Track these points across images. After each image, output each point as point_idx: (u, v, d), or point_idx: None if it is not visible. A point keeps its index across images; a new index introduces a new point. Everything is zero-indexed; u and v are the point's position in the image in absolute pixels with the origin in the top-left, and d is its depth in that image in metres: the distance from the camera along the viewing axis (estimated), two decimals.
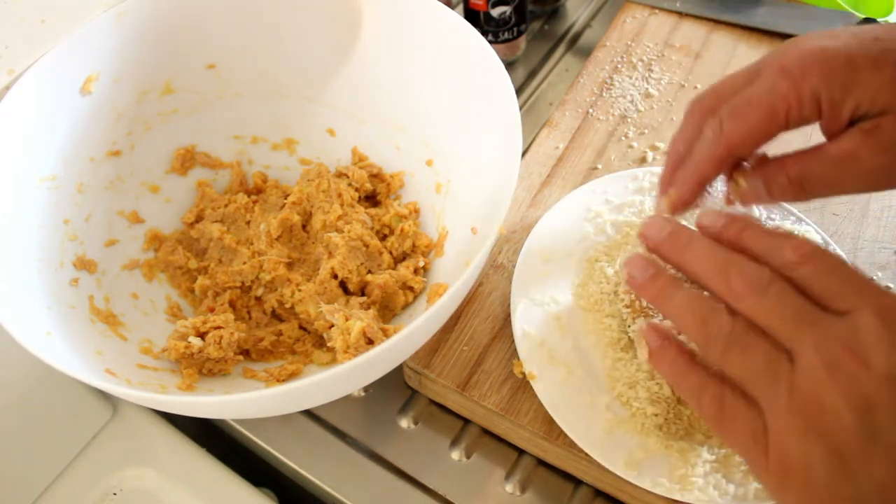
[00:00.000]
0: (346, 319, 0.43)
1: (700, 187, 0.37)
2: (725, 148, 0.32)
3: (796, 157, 0.33)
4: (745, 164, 0.35)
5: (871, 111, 0.30)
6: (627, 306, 0.43)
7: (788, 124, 0.32)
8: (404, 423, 0.48)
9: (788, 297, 0.26)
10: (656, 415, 0.41)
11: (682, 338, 0.32)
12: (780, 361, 0.26)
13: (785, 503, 0.26)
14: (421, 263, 0.49)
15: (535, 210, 0.53)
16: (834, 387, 0.24)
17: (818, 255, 0.27)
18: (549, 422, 0.42)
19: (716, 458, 0.40)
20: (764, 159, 0.34)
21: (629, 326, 0.43)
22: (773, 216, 0.49)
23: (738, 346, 0.27)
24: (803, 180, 0.32)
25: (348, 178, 0.53)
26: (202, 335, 0.44)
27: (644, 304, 0.42)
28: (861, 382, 0.24)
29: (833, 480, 0.24)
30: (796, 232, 0.47)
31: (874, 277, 0.48)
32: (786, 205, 0.49)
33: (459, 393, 0.45)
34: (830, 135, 0.32)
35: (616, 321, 0.45)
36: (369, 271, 0.49)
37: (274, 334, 0.48)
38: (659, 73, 0.63)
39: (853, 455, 0.24)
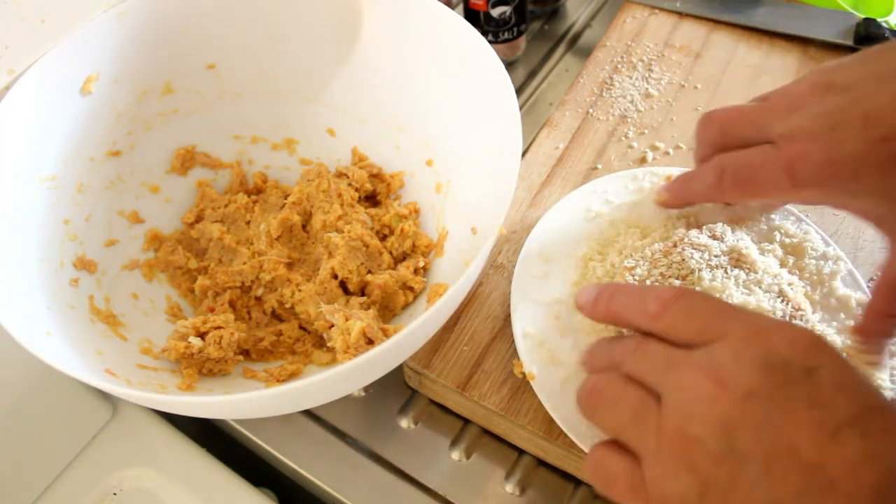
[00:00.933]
0: (346, 319, 0.43)
1: (687, 204, 0.44)
2: (720, 199, 0.37)
3: (877, 292, 0.35)
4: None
5: (878, 210, 0.32)
6: None
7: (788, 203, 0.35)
8: (404, 423, 0.48)
9: (654, 350, 0.28)
10: None
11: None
12: (647, 407, 0.27)
13: None
14: (421, 263, 0.49)
15: (535, 210, 0.53)
16: (696, 417, 0.24)
17: (680, 298, 0.28)
18: (549, 422, 0.42)
19: None
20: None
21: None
22: (773, 216, 0.49)
23: (604, 403, 0.29)
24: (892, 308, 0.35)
25: (348, 178, 0.53)
26: (202, 335, 0.44)
27: None
28: (720, 406, 0.24)
29: None
30: (794, 232, 0.47)
31: (874, 277, 0.48)
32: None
33: (459, 393, 0.45)
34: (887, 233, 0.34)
35: None
36: (369, 271, 0.49)
37: (274, 334, 0.48)
38: (659, 73, 0.63)
39: (725, 482, 0.24)
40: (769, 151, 0.33)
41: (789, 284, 0.41)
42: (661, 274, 0.42)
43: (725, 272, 0.41)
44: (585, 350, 0.34)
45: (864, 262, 0.49)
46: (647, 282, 0.42)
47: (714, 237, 0.43)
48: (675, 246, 0.43)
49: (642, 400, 0.27)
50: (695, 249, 0.42)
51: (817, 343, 0.25)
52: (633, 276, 0.43)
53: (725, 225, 0.45)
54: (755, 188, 0.34)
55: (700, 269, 0.41)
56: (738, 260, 0.42)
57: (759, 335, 0.25)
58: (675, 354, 0.27)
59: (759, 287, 0.40)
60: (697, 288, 0.41)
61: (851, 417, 0.22)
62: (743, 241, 0.43)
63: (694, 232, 0.44)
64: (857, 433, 0.22)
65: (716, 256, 0.42)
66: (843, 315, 0.44)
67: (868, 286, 0.46)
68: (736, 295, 0.40)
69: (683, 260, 0.42)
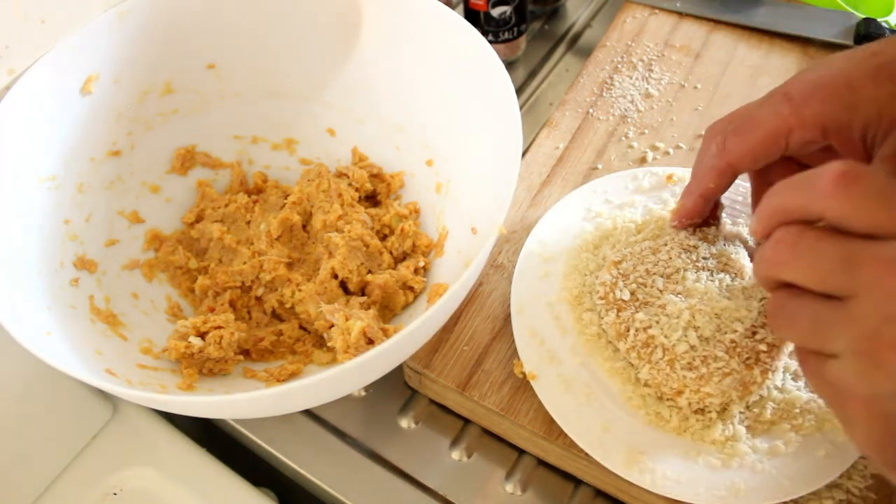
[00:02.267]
0: (346, 319, 0.43)
1: (703, 200, 0.40)
2: (726, 162, 0.34)
3: None
4: None
5: (882, 126, 0.31)
6: (602, 298, 0.43)
7: (790, 146, 0.33)
8: (404, 423, 0.48)
9: (826, 245, 0.25)
10: (657, 413, 0.41)
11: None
12: (830, 314, 0.25)
13: (856, 432, 0.26)
14: (421, 263, 0.49)
15: (535, 210, 0.53)
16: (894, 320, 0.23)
17: (857, 176, 0.25)
18: (549, 422, 0.42)
19: (718, 458, 0.40)
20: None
21: (601, 318, 0.43)
22: None
23: (783, 324, 0.28)
24: None
25: (348, 178, 0.53)
26: (202, 335, 0.44)
27: (617, 296, 0.42)
28: None
29: None
30: None
31: None
32: None
33: (459, 393, 0.45)
34: (848, 154, 0.33)
35: (595, 315, 0.45)
36: (369, 271, 0.49)
37: (274, 334, 0.48)
38: (659, 73, 0.63)
39: None
40: (766, 97, 0.33)
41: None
42: (647, 270, 0.42)
43: (711, 274, 0.41)
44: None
45: None
46: (631, 277, 0.42)
47: (705, 240, 0.43)
48: (664, 245, 0.43)
49: (820, 309, 0.26)
50: (683, 250, 0.43)
51: None
52: (618, 269, 0.43)
53: (719, 230, 0.45)
54: (756, 129, 0.33)
55: (685, 269, 0.42)
56: (725, 264, 0.42)
57: None
58: (859, 247, 0.25)
59: (742, 293, 0.41)
60: (679, 288, 0.41)
61: None
62: (733, 246, 0.43)
63: (685, 233, 0.44)
64: None
65: (703, 258, 0.42)
66: None
67: None
68: (716, 298, 0.40)
69: (670, 258, 0.42)
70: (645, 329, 0.41)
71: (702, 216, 0.42)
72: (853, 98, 0.30)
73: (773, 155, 0.34)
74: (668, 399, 0.41)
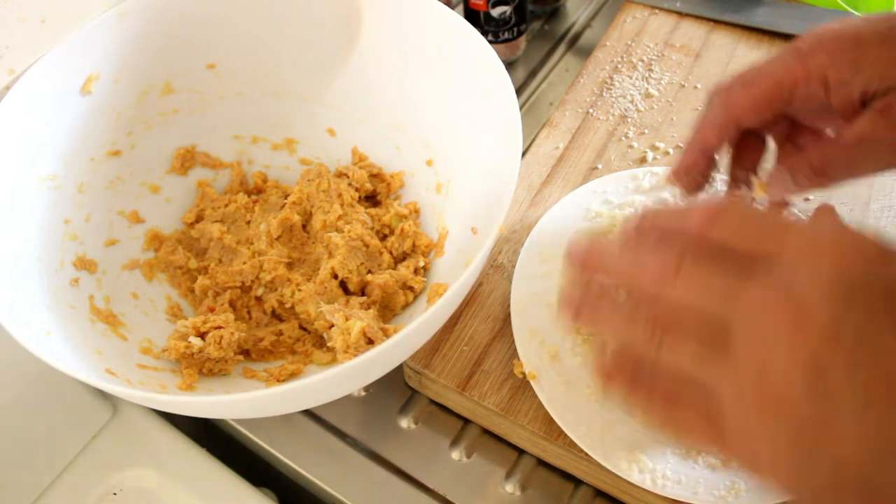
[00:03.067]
0: (346, 319, 0.43)
1: (704, 156, 0.37)
2: (730, 114, 0.33)
3: (817, 144, 0.33)
4: (755, 176, 0.37)
5: (881, 88, 0.30)
6: None
7: (794, 99, 0.32)
8: (404, 423, 0.48)
9: (706, 272, 0.24)
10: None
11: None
12: (715, 343, 0.24)
13: (771, 479, 0.24)
14: (421, 263, 0.49)
15: (535, 210, 0.53)
16: (778, 356, 0.22)
17: (724, 211, 0.25)
18: (549, 422, 0.42)
19: (718, 458, 0.40)
20: (786, 152, 0.35)
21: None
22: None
23: (665, 342, 0.25)
24: (826, 167, 0.33)
25: (348, 178, 0.53)
26: (202, 335, 0.44)
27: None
28: (805, 343, 0.21)
29: (810, 454, 0.22)
30: None
31: None
32: None
33: (459, 393, 0.45)
34: (845, 116, 0.32)
35: None
36: (369, 271, 0.49)
37: (274, 334, 0.48)
38: (659, 73, 0.63)
39: (817, 424, 0.21)
40: (776, 52, 0.33)
41: None
42: None
43: None
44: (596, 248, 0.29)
45: None
46: None
47: None
48: None
49: (706, 337, 0.24)
50: None
51: (887, 252, 0.22)
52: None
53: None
54: (762, 81, 0.32)
55: None
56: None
57: (824, 251, 0.22)
58: (736, 278, 0.23)
59: None
60: None
61: None
62: None
63: None
64: None
65: None
66: None
67: None
68: None
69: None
70: None
71: (701, 174, 0.38)
72: (859, 55, 0.30)
73: (777, 108, 0.33)
74: None
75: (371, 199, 0.55)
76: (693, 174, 0.38)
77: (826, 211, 0.29)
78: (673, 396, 0.26)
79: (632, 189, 0.51)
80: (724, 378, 0.23)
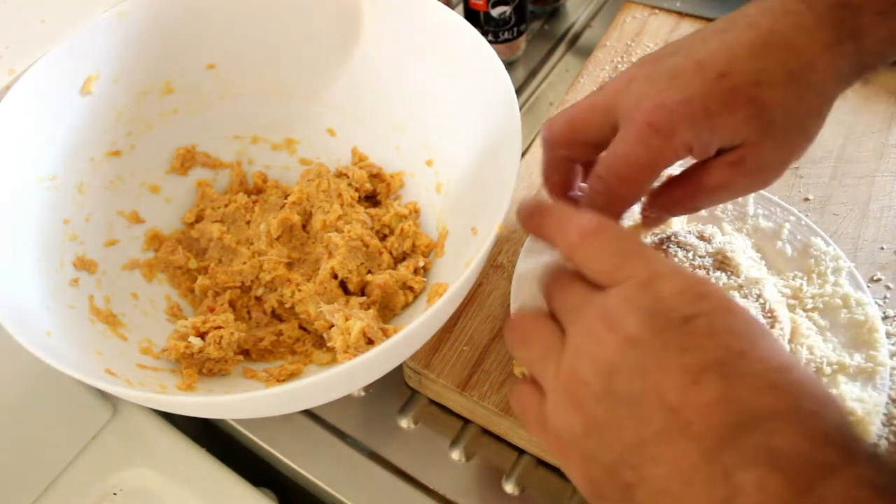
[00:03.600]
0: (346, 319, 0.43)
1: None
2: (621, 207, 0.35)
3: (682, 187, 0.36)
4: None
5: (732, 143, 0.33)
6: None
7: (665, 168, 0.34)
8: (404, 423, 0.48)
9: (575, 289, 0.28)
10: None
11: None
12: (555, 345, 0.28)
13: (569, 474, 0.27)
14: (421, 263, 0.49)
15: None
16: (585, 358, 0.26)
17: (597, 232, 0.28)
18: None
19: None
20: (655, 192, 0.38)
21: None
22: (772, 210, 0.49)
23: (520, 339, 0.30)
24: (693, 203, 0.36)
25: (348, 178, 0.53)
26: (202, 335, 0.44)
27: None
28: (606, 349, 0.25)
29: (593, 448, 0.25)
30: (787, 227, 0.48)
31: (874, 277, 0.48)
32: (784, 203, 0.49)
33: (459, 393, 0.45)
34: (700, 159, 0.34)
35: None
36: (369, 271, 0.49)
37: (274, 334, 0.48)
38: None
39: (603, 421, 0.25)
40: (626, 128, 0.33)
41: (771, 296, 0.42)
42: None
43: (707, 273, 0.41)
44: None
45: (863, 261, 0.49)
46: None
47: (702, 238, 0.44)
48: (661, 243, 0.44)
49: (552, 337, 0.28)
50: (680, 248, 0.43)
51: (706, 292, 0.25)
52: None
53: (715, 227, 0.45)
54: (635, 167, 0.33)
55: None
56: (722, 262, 0.42)
57: (653, 282, 0.26)
58: (584, 296, 0.28)
59: (738, 292, 0.41)
60: None
61: (715, 362, 0.23)
62: (730, 244, 0.44)
63: (683, 231, 0.44)
64: (717, 376, 0.23)
65: (700, 257, 0.42)
66: (843, 312, 0.44)
67: (868, 286, 0.46)
68: None
69: (667, 257, 0.42)
70: None
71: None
72: (714, 124, 0.32)
73: (654, 180, 0.35)
74: None
75: (371, 199, 0.55)
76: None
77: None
78: (518, 388, 0.30)
79: None
80: (549, 373, 0.27)
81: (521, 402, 0.30)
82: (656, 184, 0.36)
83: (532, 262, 0.48)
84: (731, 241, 0.44)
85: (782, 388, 0.23)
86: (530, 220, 0.32)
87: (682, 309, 0.25)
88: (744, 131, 0.32)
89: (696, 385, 0.23)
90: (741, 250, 0.44)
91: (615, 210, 0.35)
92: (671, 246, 0.43)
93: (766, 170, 0.34)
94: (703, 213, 0.48)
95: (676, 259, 0.42)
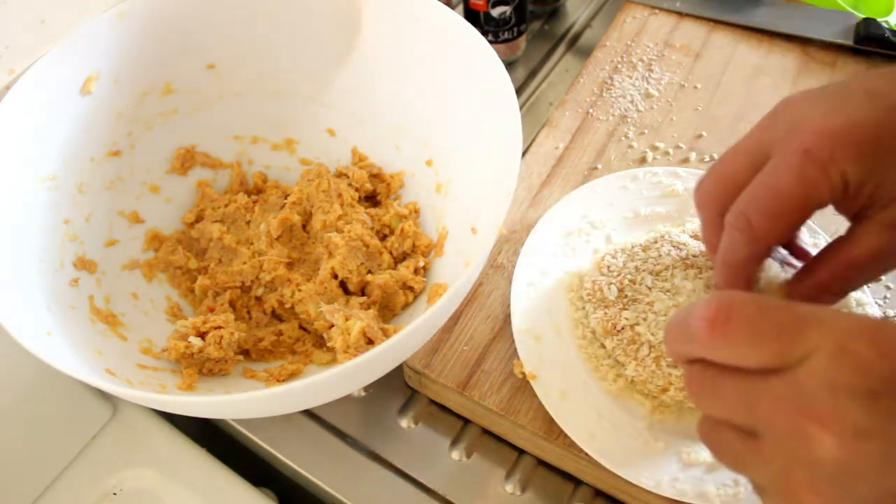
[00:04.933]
0: (346, 319, 0.43)
1: (747, 285, 0.34)
2: (762, 248, 0.31)
3: (830, 266, 0.31)
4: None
5: (892, 194, 0.28)
6: (590, 295, 0.43)
7: (816, 209, 0.29)
8: (404, 423, 0.48)
9: (724, 384, 0.24)
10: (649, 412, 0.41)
11: None
12: (745, 450, 0.24)
13: None
14: (421, 263, 0.49)
15: (535, 210, 0.53)
16: (803, 462, 0.22)
17: (732, 315, 0.24)
18: (549, 422, 0.42)
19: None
20: (795, 282, 0.33)
21: (589, 316, 0.44)
22: None
23: (713, 448, 0.26)
24: (844, 284, 0.31)
25: (348, 178, 0.53)
26: (202, 335, 0.44)
27: (604, 294, 0.42)
28: (829, 449, 0.21)
29: None
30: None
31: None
32: None
33: (459, 393, 0.45)
34: (847, 215, 0.30)
35: (585, 313, 0.45)
36: (369, 271, 0.49)
37: (274, 334, 0.48)
38: (659, 73, 0.63)
39: None
40: (778, 156, 0.29)
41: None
42: (636, 267, 0.43)
43: (700, 272, 0.42)
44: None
45: None
46: (621, 274, 0.43)
47: (695, 237, 0.44)
48: (655, 242, 0.44)
49: (737, 445, 0.25)
50: (673, 247, 0.43)
51: None
52: (608, 266, 0.43)
53: None
54: (783, 200, 0.29)
55: (674, 267, 0.42)
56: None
57: (846, 351, 0.21)
58: (750, 386, 0.23)
59: None
60: (667, 285, 0.41)
61: None
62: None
63: (676, 230, 0.44)
64: None
65: (693, 256, 0.42)
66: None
67: (868, 286, 0.46)
68: (703, 296, 0.40)
69: (660, 256, 0.42)
70: (632, 326, 0.41)
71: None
72: (882, 159, 0.27)
73: (803, 223, 0.30)
74: (654, 396, 0.41)
75: (371, 199, 0.55)
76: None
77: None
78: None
79: (632, 189, 0.51)
80: (758, 472, 0.24)
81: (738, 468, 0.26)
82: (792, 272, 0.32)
83: (532, 263, 0.48)
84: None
85: None
86: (667, 341, 0.27)
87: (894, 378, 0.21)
88: None
89: None
90: None
91: (754, 254, 0.30)
92: (664, 245, 0.43)
93: None
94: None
95: (669, 257, 0.42)
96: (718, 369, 0.25)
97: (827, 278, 0.31)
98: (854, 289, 0.32)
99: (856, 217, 0.30)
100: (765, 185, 0.29)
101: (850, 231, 0.30)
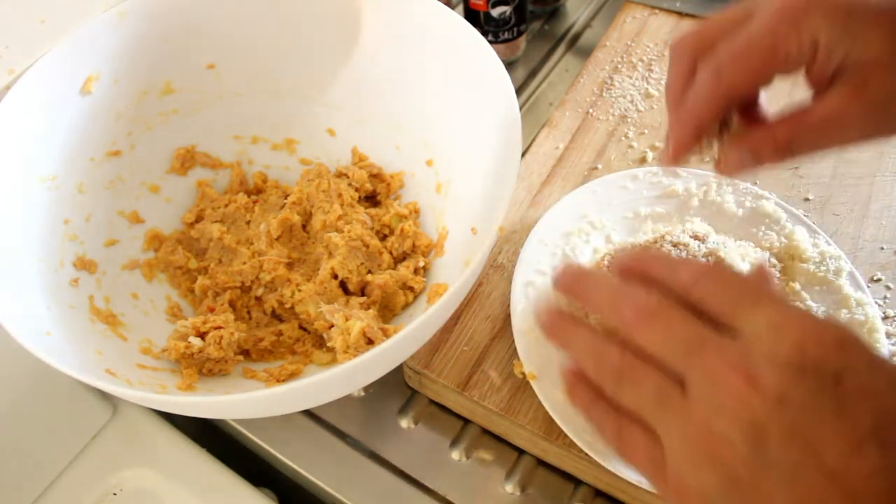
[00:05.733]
0: (346, 319, 0.43)
1: (698, 132, 0.35)
2: (725, 91, 0.31)
3: (784, 121, 0.32)
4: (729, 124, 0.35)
5: (860, 60, 0.29)
6: None
7: (786, 68, 0.30)
8: (404, 423, 0.48)
9: (678, 323, 0.26)
10: None
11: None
12: (671, 391, 0.25)
13: None
14: (421, 263, 0.49)
15: (535, 210, 0.53)
16: (724, 414, 0.24)
17: (713, 272, 0.26)
18: (549, 422, 0.42)
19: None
20: (750, 126, 0.34)
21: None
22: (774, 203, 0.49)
23: (627, 379, 0.27)
24: (792, 144, 0.32)
25: (348, 178, 0.53)
26: (202, 335, 0.44)
27: None
28: (751, 407, 0.23)
29: None
30: (789, 233, 0.47)
31: (874, 277, 0.48)
32: (785, 205, 0.49)
33: (459, 393, 0.45)
34: (815, 83, 0.31)
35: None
36: (369, 271, 0.49)
37: (274, 334, 0.48)
38: (659, 73, 0.63)
39: (748, 483, 0.23)
40: (756, 16, 0.30)
41: None
42: None
43: None
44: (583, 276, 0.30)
45: (864, 262, 0.49)
46: None
47: (696, 237, 0.44)
48: (654, 242, 0.44)
49: (663, 380, 0.26)
50: (673, 247, 0.43)
51: (845, 340, 0.24)
52: (607, 266, 0.43)
53: (710, 226, 0.45)
54: (752, 49, 0.30)
55: None
56: (715, 262, 0.42)
57: (788, 330, 0.24)
58: (701, 337, 0.25)
59: None
60: None
61: (873, 428, 0.22)
62: (725, 244, 0.43)
63: (678, 229, 0.44)
64: (877, 444, 0.22)
65: (693, 256, 0.42)
66: (844, 312, 0.44)
67: (868, 286, 0.46)
68: None
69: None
70: None
71: (694, 152, 0.36)
72: (850, 26, 0.28)
73: (771, 79, 0.31)
74: None
75: (371, 199, 0.55)
76: (687, 153, 0.36)
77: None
78: (624, 427, 0.28)
79: (632, 189, 0.51)
80: (672, 423, 0.25)
81: (630, 443, 0.28)
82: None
83: (532, 263, 0.48)
84: (724, 241, 0.44)
85: None
86: (636, 258, 0.29)
87: (831, 363, 0.23)
88: (878, 48, 0.28)
89: (857, 452, 0.22)
90: (735, 250, 0.44)
91: (715, 97, 0.31)
92: (665, 245, 0.43)
93: (885, 107, 0.30)
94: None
95: None
96: (680, 312, 0.26)
97: (778, 133, 0.32)
98: (802, 153, 0.32)
99: (823, 89, 0.31)
100: (739, 36, 0.31)
101: (812, 97, 0.31)
